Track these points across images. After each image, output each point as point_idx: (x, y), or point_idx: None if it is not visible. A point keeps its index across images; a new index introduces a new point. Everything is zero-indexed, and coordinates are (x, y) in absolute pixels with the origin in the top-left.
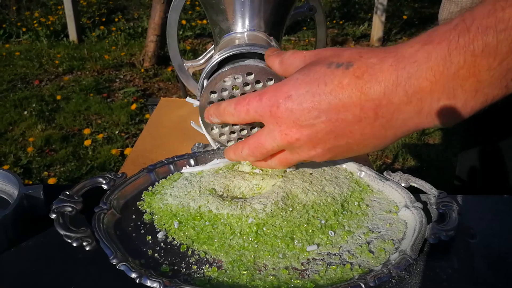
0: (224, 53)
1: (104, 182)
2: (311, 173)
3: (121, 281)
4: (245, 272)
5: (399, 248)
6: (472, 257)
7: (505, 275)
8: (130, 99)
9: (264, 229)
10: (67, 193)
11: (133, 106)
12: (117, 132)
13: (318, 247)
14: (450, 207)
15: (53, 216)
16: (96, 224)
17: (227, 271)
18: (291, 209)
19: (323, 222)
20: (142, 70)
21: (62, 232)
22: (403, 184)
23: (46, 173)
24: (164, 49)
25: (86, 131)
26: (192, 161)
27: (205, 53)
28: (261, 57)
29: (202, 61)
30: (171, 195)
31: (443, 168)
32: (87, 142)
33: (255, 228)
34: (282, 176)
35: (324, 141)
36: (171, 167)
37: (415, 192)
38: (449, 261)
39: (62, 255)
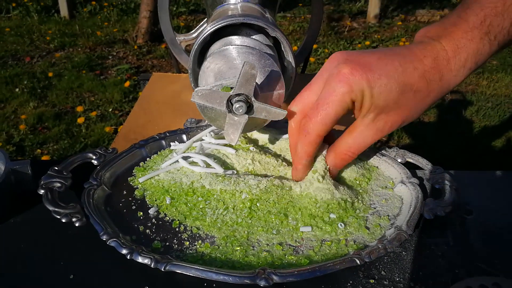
0: (216, 24)
1: (94, 157)
2: None
3: (112, 257)
4: (238, 248)
5: (395, 224)
6: (468, 234)
7: (500, 252)
8: (123, 76)
9: (258, 204)
10: (56, 168)
11: (127, 84)
12: (110, 109)
13: (312, 229)
14: (446, 183)
15: (42, 191)
16: (86, 200)
17: (220, 247)
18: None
19: None
20: (136, 47)
21: (50, 208)
22: (399, 160)
23: (39, 151)
24: (157, 25)
25: (79, 109)
26: (184, 137)
27: (198, 26)
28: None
29: (194, 35)
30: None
31: (437, 146)
32: (80, 120)
33: (248, 203)
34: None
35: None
36: (163, 142)
37: (411, 168)
38: (445, 237)
39: (51, 232)
